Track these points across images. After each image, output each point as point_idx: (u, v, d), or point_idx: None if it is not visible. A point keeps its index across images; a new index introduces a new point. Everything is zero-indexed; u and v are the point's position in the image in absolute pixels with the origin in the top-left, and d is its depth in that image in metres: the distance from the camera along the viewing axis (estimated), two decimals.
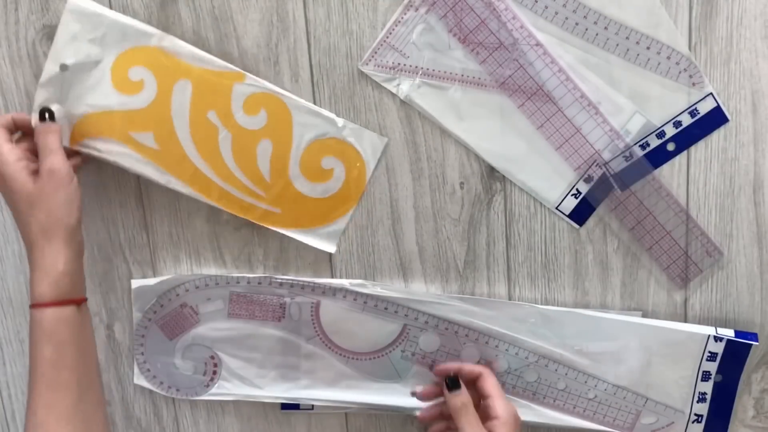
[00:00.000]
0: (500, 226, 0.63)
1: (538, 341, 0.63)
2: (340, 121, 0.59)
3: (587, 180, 0.62)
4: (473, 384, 0.59)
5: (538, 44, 0.59)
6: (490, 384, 0.58)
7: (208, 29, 0.60)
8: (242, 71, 0.58)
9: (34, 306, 0.52)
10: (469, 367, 0.60)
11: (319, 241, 0.62)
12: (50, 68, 0.56)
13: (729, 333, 0.62)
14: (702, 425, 0.64)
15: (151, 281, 0.64)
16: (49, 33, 0.61)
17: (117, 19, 0.56)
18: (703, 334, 0.62)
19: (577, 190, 0.62)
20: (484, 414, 0.57)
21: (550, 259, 0.64)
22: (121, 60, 0.57)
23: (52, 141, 0.54)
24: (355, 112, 0.61)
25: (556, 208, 0.62)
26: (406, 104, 0.61)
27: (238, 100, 0.58)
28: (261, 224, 0.61)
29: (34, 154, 0.55)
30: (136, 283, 0.65)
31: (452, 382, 0.58)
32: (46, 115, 0.55)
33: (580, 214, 0.63)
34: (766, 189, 0.61)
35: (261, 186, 0.59)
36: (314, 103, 0.61)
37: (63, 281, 0.52)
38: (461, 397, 0.57)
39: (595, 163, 0.61)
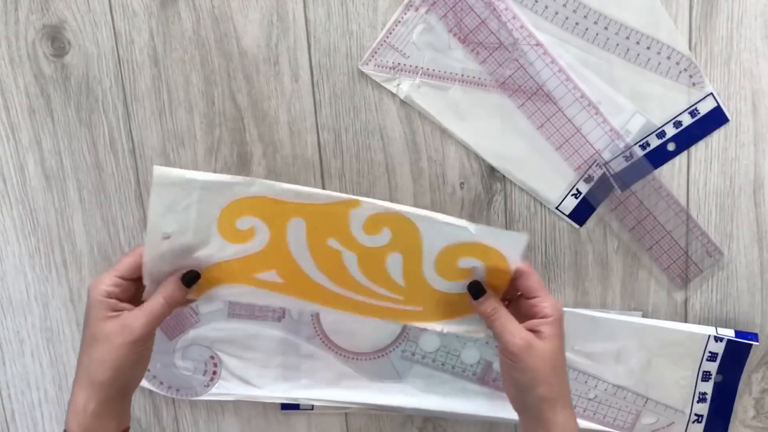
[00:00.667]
0: (500, 226, 0.63)
1: None
2: (472, 228, 0.52)
3: (587, 180, 0.62)
4: (517, 280, 0.54)
5: (538, 44, 0.59)
6: (533, 281, 0.52)
7: (208, 29, 0.60)
8: (356, 198, 0.52)
9: None
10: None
11: (467, 328, 0.56)
12: (153, 239, 0.51)
13: (729, 333, 0.62)
14: (702, 425, 0.64)
15: None
16: (49, 33, 0.61)
17: (206, 179, 0.51)
18: (704, 334, 0.62)
19: (577, 190, 0.62)
20: (529, 312, 0.52)
21: (550, 259, 0.64)
22: (225, 215, 0.52)
23: (159, 308, 0.51)
24: (355, 112, 0.61)
25: (556, 208, 0.62)
26: (406, 104, 0.61)
27: (357, 224, 0.53)
28: (405, 323, 0.57)
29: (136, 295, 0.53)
30: None
31: (475, 290, 0.53)
32: (185, 279, 0.52)
33: (581, 214, 0.62)
34: (767, 189, 0.61)
35: (397, 292, 0.55)
36: (314, 103, 0.61)
37: (91, 422, 0.51)
38: (490, 302, 0.52)
39: (595, 163, 0.61)
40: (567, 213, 0.62)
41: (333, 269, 0.54)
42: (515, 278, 0.53)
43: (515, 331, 0.50)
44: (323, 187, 0.63)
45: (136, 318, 0.50)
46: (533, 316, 0.51)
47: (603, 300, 0.65)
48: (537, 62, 0.59)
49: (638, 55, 0.59)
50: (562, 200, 0.62)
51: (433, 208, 0.63)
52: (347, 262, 0.54)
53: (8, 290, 0.67)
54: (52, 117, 0.63)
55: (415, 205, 0.63)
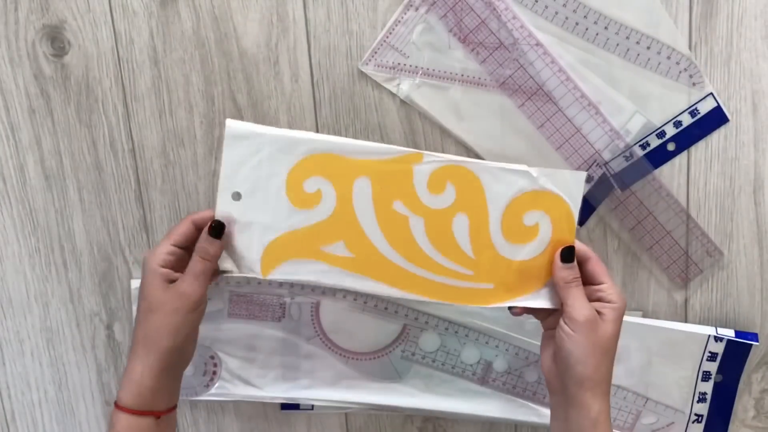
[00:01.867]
0: None
1: (538, 341, 0.63)
2: (534, 171, 0.53)
3: (587, 180, 0.62)
4: (581, 266, 0.54)
5: (538, 44, 0.59)
6: (601, 269, 0.53)
7: (208, 29, 0.60)
8: (418, 151, 0.52)
9: (114, 405, 0.52)
10: (580, 247, 0.54)
11: (544, 302, 0.55)
12: (223, 198, 0.52)
13: (729, 333, 0.62)
14: (702, 425, 0.64)
15: None
16: (49, 33, 0.61)
17: (276, 134, 0.52)
18: (704, 334, 0.62)
19: None
20: (593, 296, 0.52)
21: None
22: (293, 175, 0.53)
23: (199, 265, 0.52)
24: (355, 112, 0.61)
25: None
26: (406, 104, 0.61)
27: (421, 182, 0.53)
28: (478, 305, 0.55)
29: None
30: (136, 283, 0.65)
31: (568, 254, 0.53)
32: (212, 230, 0.52)
33: (581, 213, 0.62)
34: (767, 189, 0.61)
35: (467, 265, 0.54)
36: (314, 103, 0.61)
37: (146, 395, 0.52)
38: (573, 272, 0.52)
39: (595, 163, 0.61)
40: None
41: (400, 238, 0.54)
42: (581, 262, 0.54)
43: (585, 303, 0.51)
44: None
45: (185, 281, 0.52)
46: (597, 300, 0.52)
47: None
48: (537, 62, 0.59)
49: (638, 55, 0.59)
50: None
51: None
52: (414, 229, 0.54)
53: (8, 290, 0.67)
54: (52, 117, 0.63)
55: None
